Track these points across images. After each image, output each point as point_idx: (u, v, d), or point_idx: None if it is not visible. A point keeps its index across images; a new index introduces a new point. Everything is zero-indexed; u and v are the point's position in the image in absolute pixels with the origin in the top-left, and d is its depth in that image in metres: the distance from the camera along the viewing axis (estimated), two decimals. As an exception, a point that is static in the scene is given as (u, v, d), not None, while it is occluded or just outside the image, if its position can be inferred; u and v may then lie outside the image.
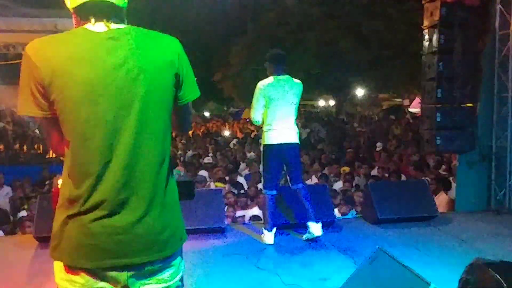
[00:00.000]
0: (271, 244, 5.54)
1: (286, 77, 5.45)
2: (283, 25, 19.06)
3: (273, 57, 5.53)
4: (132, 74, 1.82)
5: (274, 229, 5.61)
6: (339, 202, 7.75)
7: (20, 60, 1.86)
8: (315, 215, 5.50)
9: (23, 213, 8.05)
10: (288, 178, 5.66)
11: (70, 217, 1.84)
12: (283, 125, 5.37)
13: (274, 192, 5.50)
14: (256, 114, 5.40)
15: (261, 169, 5.69)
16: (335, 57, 18.45)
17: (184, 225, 2.06)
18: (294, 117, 5.49)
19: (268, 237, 5.58)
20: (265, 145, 5.45)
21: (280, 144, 5.36)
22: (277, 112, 5.34)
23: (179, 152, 15.08)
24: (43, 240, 5.46)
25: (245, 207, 7.84)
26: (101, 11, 1.85)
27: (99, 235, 1.83)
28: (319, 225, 5.49)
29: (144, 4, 16.56)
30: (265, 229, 5.61)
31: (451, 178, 8.85)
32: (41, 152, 15.94)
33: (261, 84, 5.36)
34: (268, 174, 5.50)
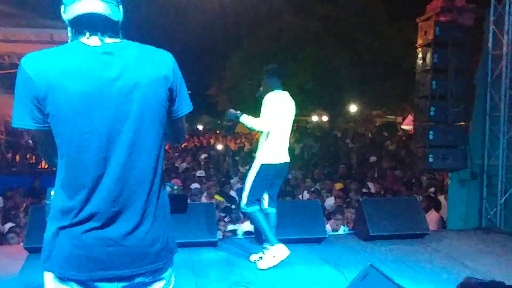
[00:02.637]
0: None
1: (287, 93, 5.27)
2: (278, 40, 19.17)
3: (278, 71, 5.29)
4: (126, 88, 1.84)
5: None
6: (331, 218, 7.74)
7: (14, 70, 1.88)
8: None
9: (11, 224, 7.98)
10: (268, 197, 5.36)
11: (62, 228, 1.85)
12: (283, 144, 5.20)
13: (258, 207, 5.28)
14: (270, 121, 5.02)
15: (248, 184, 5.23)
16: (329, 73, 18.55)
17: (175, 238, 2.06)
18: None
19: (281, 250, 5.14)
20: (264, 164, 5.14)
21: (280, 164, 5.18)
22: (281, 129, 5.18)
23: (177, 165, 15.06)
24: (34, 250, 5.42)
25: (237, 221, 7.82)
26: (96, 25, 1.87)
27: (91, 247, 1.84)
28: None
29: (142, 18, 16.63)
30: (271, 245, 5.16)
31: (442, 196, 8.89)
32: (34, 162, 15.86)
33: (275, 96, 5.08)
34: (258, 192, 5.23)
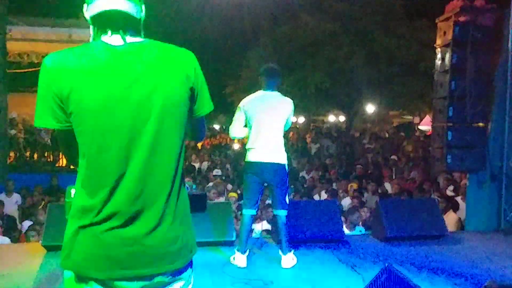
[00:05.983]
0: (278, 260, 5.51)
1: (275, 93, 5.21)
2: (296, 39, 19.13)
3: (265, 71, 5.26)
4: (148, 88, 1.84)
5: (248, 252, 5.36)
6: (347, 218, 7.72)
7: (33, 69, 1.89)
8: (287, 247, 5.27)
9: (29, 222, 8.06)
10: (272, 201, 5.41)
11: (82, 227, 1.86)
12: (261, 142, 5.11)
13: (253, 212, 5.28)
14: (233, 129, 5.31)
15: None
16: (346, 73, 18.50)
17: (195, 237, 2.06)
18: (280, 137, 5.16)
19: (240, 259, 5.29)
20: (246, 162, 5.24)
21: (258, 162, 5.12)
22: (259, 129, 5.12)
23: (196, 164, 15.13)
24: (52, 248, 5.47)
25: (255, 220, 7.81)
26: (118, 23, 1.87)
27: (111, 246, 1.84)
28: (289, 257, 5.28)
29: (160, 17, 16.72)
30: (237, 250, 5.32)
31: (459, 197, 8.82)
32: (51, 160, 16.03)
33: (244, 100, 5.25)
34: (246, 192, 5.28)
